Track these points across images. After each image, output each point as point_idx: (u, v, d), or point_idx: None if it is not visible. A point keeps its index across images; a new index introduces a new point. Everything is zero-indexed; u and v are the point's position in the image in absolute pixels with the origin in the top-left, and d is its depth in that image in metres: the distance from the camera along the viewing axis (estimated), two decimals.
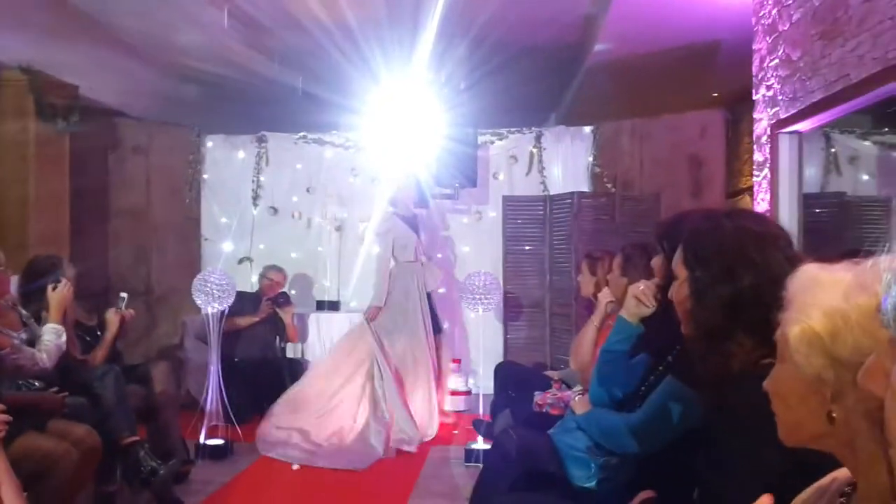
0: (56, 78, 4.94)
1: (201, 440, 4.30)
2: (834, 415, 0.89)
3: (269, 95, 6.97)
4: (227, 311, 4.62)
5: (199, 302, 4.56)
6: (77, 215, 5.35)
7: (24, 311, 3.31)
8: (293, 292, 6.08)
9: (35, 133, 4.83)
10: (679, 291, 1.55)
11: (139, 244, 6.10)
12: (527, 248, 5.90)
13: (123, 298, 3.78)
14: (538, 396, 3.20)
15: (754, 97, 4.15)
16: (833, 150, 4.76)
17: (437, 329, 5.10)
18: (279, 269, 5.60)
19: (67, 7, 4.88)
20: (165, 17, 5.17)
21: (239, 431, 4.48)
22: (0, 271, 3.13)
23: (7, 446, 2.38)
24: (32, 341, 3.20)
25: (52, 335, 3.16)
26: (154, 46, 5.87)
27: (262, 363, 5.29)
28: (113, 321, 3.61)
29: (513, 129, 6.22)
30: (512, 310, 5.88)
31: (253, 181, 6.33)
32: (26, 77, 4.72)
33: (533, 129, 6.21)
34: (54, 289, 3.29)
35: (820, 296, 0.91)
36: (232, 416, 4.45)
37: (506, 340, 5.89)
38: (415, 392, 4.80)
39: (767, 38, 3.98)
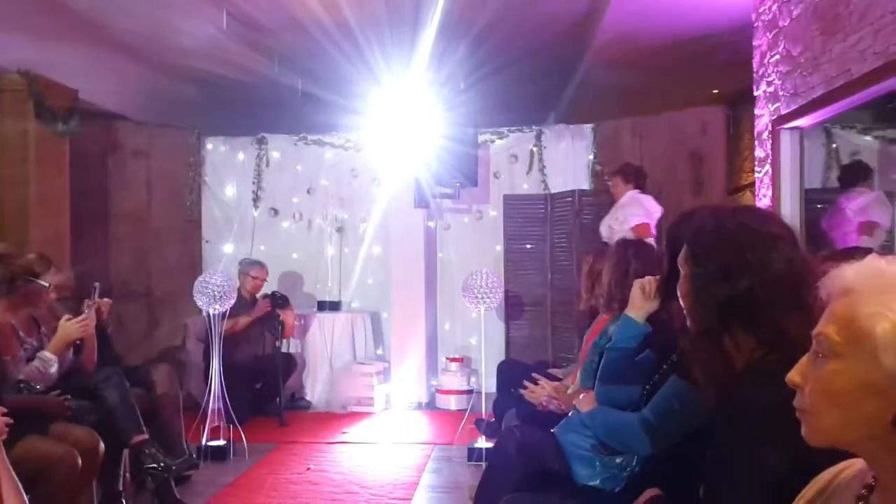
0: (55, 81, 4.93)
1: (203, 441, 4.29)
2: None
3: (269, 97, 6.96)
4: (227, 313, 4.62)
5: (200, 304, 4.55)
6: (77, 218, 5.34)
7: (41, 323, 3.32)
8: (297, 293, 6.09)
9: (35, 136, 4.82)
10: (681, 288, 1.54)
11: (140, 246, 6.09)
12: (528, 246, 5.89)
13: (96, 288, 3.71)
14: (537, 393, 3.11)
15: (755, 93, 4.14)
16: (834, 145, 4.75)
17: None
18: (261, 265, 5.54)
19: (66, 10, 4.87)
20: (164, 20, 5.16)
21: (241, 432, 4.47)
22: (37, 286, 3.14)
23: (8, 449, 2.37)
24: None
25: (40, 363, 3.14)
26: (152, 49, 5.85)
27: (259, 363, 5.29)
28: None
29: (513, 128, 6.22)
30: (513, 308, 5.87)
31: (253, 183, 6.33)
32: (26, 81, 4.71)
33: (533, 127, 6.21)
34: (68, 320, 3.30)
35: None
36: (234, 417, 4.44)
37: (508, 339, 5.89)
38: None
39: (768, 34, 3.97)
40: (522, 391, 3.10)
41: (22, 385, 3.05)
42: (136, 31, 5.36)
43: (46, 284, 3.21)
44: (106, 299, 3.77)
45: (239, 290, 5.45)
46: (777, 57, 3.84)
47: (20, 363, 3.07)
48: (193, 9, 4.99)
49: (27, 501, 2.36)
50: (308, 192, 6.27)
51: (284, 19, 5.54)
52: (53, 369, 3.17)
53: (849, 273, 0.93)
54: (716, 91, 6.49)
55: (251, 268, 5.52)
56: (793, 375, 0.95)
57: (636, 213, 4.76)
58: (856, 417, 0.88)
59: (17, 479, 2.33)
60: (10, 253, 3.16)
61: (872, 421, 0.87)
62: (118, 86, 5.98)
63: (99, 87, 5.54)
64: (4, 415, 2.35)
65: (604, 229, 4.87)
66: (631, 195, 4.85)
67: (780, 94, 3.80)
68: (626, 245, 2.77)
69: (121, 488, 3.34)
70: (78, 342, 3.56)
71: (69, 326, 3.27)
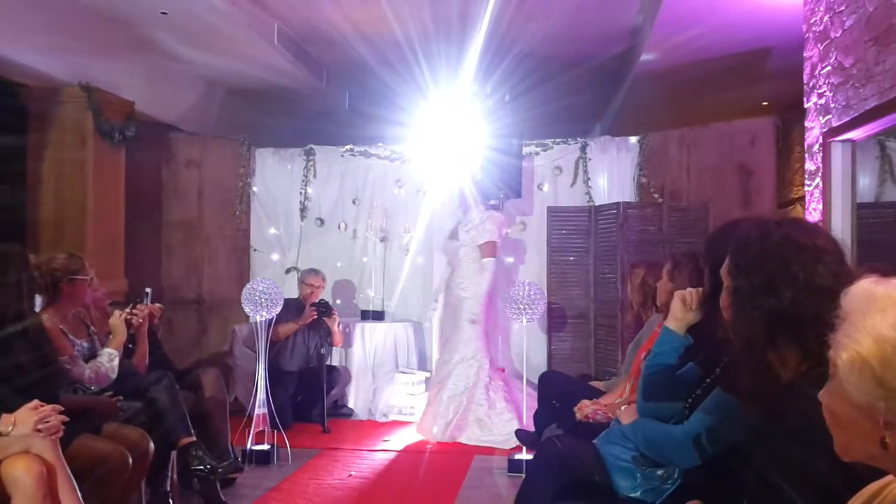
0: (113, 94, 5.11)
1: (248, 446, 4.37)
2: (888, 440, 0.86)
3: (317, 109, 7.09)
4: (273, 320, 4.71)
5: (247, 310, 4.65)
6: (131, 226, 5.51)
7: (90, 325, 3.44)
8: (338, 302, 6.16)
9: (93, 147, 5.00)
10: (723, 299, 1.53)
11: (191, 254, 6.25)
12: (571, 258, 5.86)
13: (148, 294, 3.84)
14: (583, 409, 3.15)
15: (805, 105, 4.06)
16: (888, 158, 4.62)
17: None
18: (317, 273, 5.66)
19: (122, 25, 5.05)
20: (216, 34, 5.30)
21: (285, 437, 4.54)
22: (80, 281, 3.26)
23: (63, 447, 2.46)
24: (94, 353, 3.32)
25: (106, 359, 3.27)
26: (205, 62, 6.02)
27: (305, 371, 5.37)
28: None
29: (558, 140, 6.20)
30: (556, 320, 5.84)
31: (301, 193, 6.44)
32: (85, 94, 4.89)
33: (578, 139, 6.19)
34: (122, 315, 3.43)
35: (872, 319, 0.87)
36: (278, 422, 4.51)
37: (550, 351, 5.85)
38: None
39: (819, 46, 3.90)
40: (575, 409, 3.10)
41: (77, 386, 3.16)
42: (189, 45, 5.52)
43: (88, 277, 3.32)
44: (157, 304, 3.89)
45: (297, 298, 5.58)
46: (828, 68, 3.77)
47: (77, 363, 3.17)
48: (245, 24, 5.12)
49: (80, 497, 2.45)
50: (353, 202, 6.35)
51: (333, 33, 5.65)
52: (115, 362, 3.28)
53: (847, 294, 0.93)
54: (765, 102, 6.38)
55: (307, 276, 5.65)
56: (821, 394, 0.96)
57: (490, 230, 5.12)
58: (854, 438, 0.91)
59: (71, 475, 2.42)
60: (42, 261, 3.27)
61: (868, 441, 0.88)
62: (172, 98, 6.16)
63: (154, 100, 5.71)
64: (61, 414, 2.45)
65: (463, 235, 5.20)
66: (489, 213, 5.21)
67: (832, 105, 3.73)
68: (698, 257, 2.73)
69: (168, 489, 3.42)
70: (130, 346, 3.68)
71: (118, 321, 3.40)
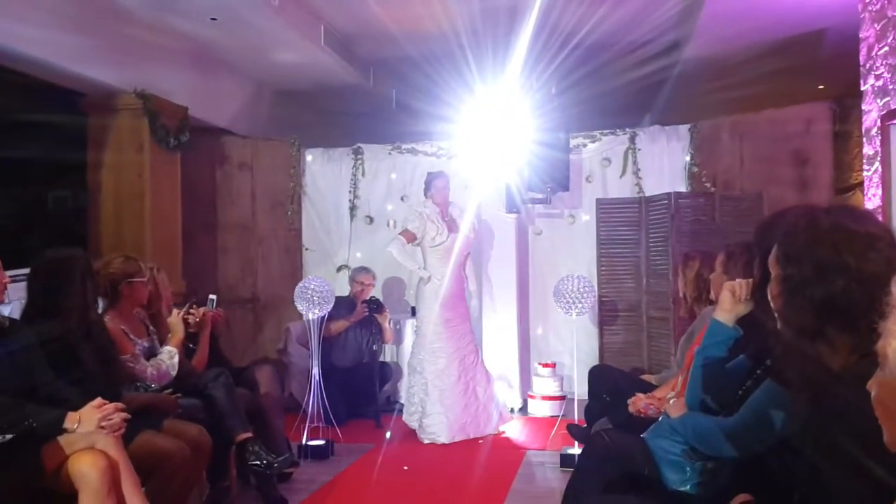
0: (167, 100, 5.25)
1: (303, 441, 4.46)
2: None
3: (365, 108, 7.18)
4: (326, 317, 4.79)
5: (300, 308, 4.75)
6: (188, 228, 5.66)
7: (150, 325, 3.56)
8: (392, 299, 6.22)
9: (150, 152, 5.15)
10: (772, 289, 1.51)
11: (245, 254, 6.39)
12: (622, 251, 5.80)
13: (213, 300, 3.96)
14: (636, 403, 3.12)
15: (862, 88, 3.94)
16: None
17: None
18: (367, 271, 5.73)
19: (175, 33, 5.20)
20: (266, 38, 5.41)
21: (339, 432, 4.61)
22: (138, 283, 3.39)
23: (126, 444, 2.56)
24: (153, 352, 3.44)
25: (167, 356, 3.39)
26: (256, 65, 6.15)
27: (357, 367, 5.45)
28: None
29: (606, 132, 6.14)
30: (607, 314, 5.80)
31: (350, 192, 6.52)
32: (141, 101, 5.04)
33: (627, 130, 6.11)
34: (180, 314, 3.55)
35: None
36: (332, 418, 4.59)
37: (601, 345, 5.82)
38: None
39: (875, 25, 3.77)
40: (628, 403, 3.08)
41: (139, 385, 3.27)
42: (238, 49, 5.65)
43: (144, 279, 3.44)
44: (220, 309, 4.01)
45: (348, 295, 5.67)
46: (886, 49, 3.64)
47: (139, 361, 3.29)
48: (292, 26, 5.21)
49: (143, 492, 2.55)
50: (402, 199, 6.40)
51: (379, 32, 5.71)
52: (175, 360, 3.40)
53: None
54: (821, 86, 6.20)
55: (358, 274, 5.73)
56: (870, 384, 0.94)
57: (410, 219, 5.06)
58: None
59: (135, 473, 2.52)
60: (100, 265, 3.38)
61: None
62: (224, 102, 6.31)
63: (206, 104, 5.86)
64: (123, 411, 2.55)
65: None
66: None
67: (890, 87, 3.60)
68: (753, 248, 2.68)
69: (228, 483, 3.52)
70: (191, 345, 3.80)
71: (176, 319, 3.52)
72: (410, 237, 5.00)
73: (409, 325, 5.84)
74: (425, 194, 5.18)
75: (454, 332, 4.98)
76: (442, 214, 5.07)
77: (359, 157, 6.53)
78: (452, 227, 5.09)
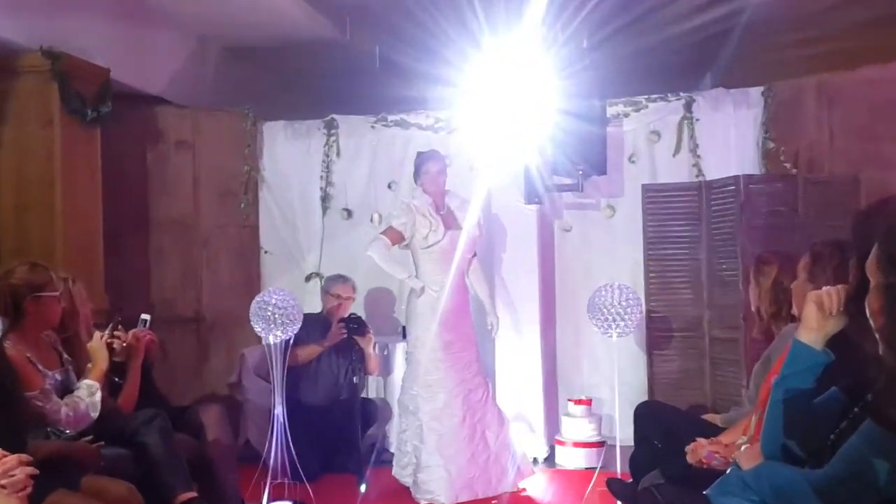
0: (84, 61, 5.24)
1: (264, 502, 4.46)
2: None
3: (340, 69, 7.17)
4: (291, 341, 4.79)
5: (258, 329, 4.75)
6: (112, 226, 5.65)
7: (64, 352, 3.57)
8: (377, 316, 6.22)
9: (61, 128, 5.12)
10: (871, 302, 1.52)
11: (186, 260, 6.41)
12: (676, 252, 5.81)
13: (145, 320, 3.97)
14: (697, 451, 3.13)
15: None
16: None
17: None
18: (345, 280, 5.73)
19: None
20: None
21: (310, 491, 4.61)
22: (48, 297, 3.39)
23: None
24: (68, 388, 3.43)
25: (86, 393, 3.38)
26: (197, 16, 6.15)
27: (333, 406, 5.44)
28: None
29: (654, 97, 6.15)
30: (658, 334, 5.80)
31: (321, 177, 6.53)
32: (49, 61, 5.01)
33: (681, 94, 6.12)
34: (103, 338, 3.55)
35: None
36: (301, 473, 4.59)
37: (650, 375, 5.82)
38: None
39: None
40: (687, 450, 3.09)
41: (49, 430, 3.27)
42: None
43: (56, 293, 3.44)
44: (149, 332, 4.01)
45: (321, 312, 5.67)
46: None
47: (50, 398, 3.28)
48: None
49: None
50: (389, 187, 6.42)
51: None
52: (97, 397, 3.39)
53: None
54: None
55: (333, 284, 5.72)
56: None
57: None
58: None
59: None
60: (0, 275, 3.39)
61: None
62: (158, 62, 6.31)
63: (134, 65, 5.86)
64: (29, 465, 2.55)
65: None
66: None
67: None
68: (846, 247, 2.68)
69: None
70: (117, 379, 3.81)
71: (98, 345, 3.51)
72: (396, 237, 5.01)
73: (400, 351, 5.84)
74: (415, 181, 5.20)
75: (457, 360, 4.98)
76: (436, 206, 5.08)
77: (332, 131, 6.54)
78: (451, 222, 5.10)
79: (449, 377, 4.94)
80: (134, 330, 3.88)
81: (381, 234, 5.07)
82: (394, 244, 5.01)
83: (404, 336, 5.82)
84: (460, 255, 5.02)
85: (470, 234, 5.11)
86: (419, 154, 5.29)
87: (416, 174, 5.19)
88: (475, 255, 5.26)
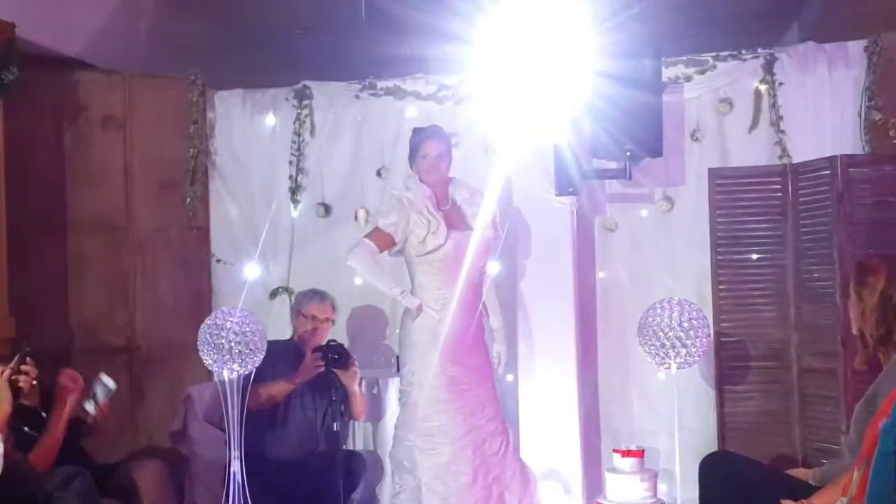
0: None
1: None
2: None
3: (314, 21, 7.18)
4: (253, 376, 4.79)
5: (209, 362, 4.74)
6: (16, 226, 5.64)
7: None
8: (363, 343, 6.22)
9: None
10: None
11: (115, 272, 6.39)
12: (754, 256, 5.79)
13: (107, 388, 3.97)
14: None
15: None
16: None
17: None
18: (322, 297, 5.70)
19: None
20: None
21: None
22: None
23: None
24: None
25: None
26: None
27: (307, 460, 5.43)
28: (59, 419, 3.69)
29: (724, 55, 6.16)
30: (730, 364, 5.78)
31: (291, 163, 6.54)
32: None
33: (759, 51, 6.12)
34: (4, 374, 3.55)
35: None
36: None
37: (721, 417, 5.79)
38: None
39: None
40: None
41: None
42: None
43: None
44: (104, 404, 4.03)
45: (291, 338, 5.65)
46: None
47: None
48: None
49: None
50: (379, 174, 6.42)
51: None
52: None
53: None
54: None
55: (307, 302, 5.68)
56: None
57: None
58: None
59: None
60: None
61: None
62: (78, 16, 6.30)
63: (47, 20, 5.86)
64: None
65: None
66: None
67: None
68: None
69: None
70: (26, 429, 3.81)
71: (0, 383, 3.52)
72: (385, 241, 5.00)
73: (394, 389, 5.84)
74: (411, 166, 5.19)
75: (466, 402, 4.97)
76: (437, 200, 5.07)
77: (305, 103, 6.55)
78: (456, 220, 5.09)
79: (455, 424, 4.92)
80: (68, 370, 3.89)
81: (365, 237, 5.06)
82: (382, 250, 5.00)
83: (399, 369, 5.82)
84: (469, 263, 5.00)
85: (482, 237, 5.09)
86: (416, 131, 5.28)
87: (412, 157, 5.17)
88: (487, 263, 5.25)
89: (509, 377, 5.86)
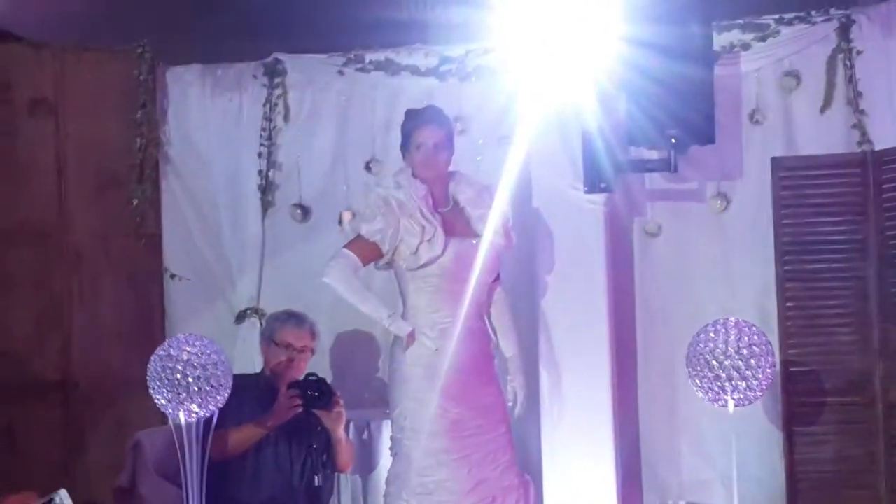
0: None
1: None
2: None
3: None
4: (216, 419, 4.78)
5: (161, 402, 4.73)
6: None
7: None
8: (351, 377, 6.22)
9: None
10: None
11: (46, 291, 6.41)
12: (829, 265, 5.78)
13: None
14: None
15: None
16: None
17: None
18: (300, 321, 5.67)
19: None
20: None
21: None
22: None
23: None
24: None
25: None
26: None
27: None
28: None
29: (789, 17, 6.14)
30: (801, 400, 5.78)
31: (261, 155, 6.55)
32: None
33: (831, 13, 6.11)
34: None
35: None
36: None
37: (790, 465, 5.78)
38: None
39: None
40: None
41: None
42: None
43: None
44: None
45: (261, 372, 5.64)
46: None
47: None
48: None
49: None
50: (368, 168, 6.43)
51: None
52: None
53: None
54: None
55: (279, 328, 5.65)
56: None
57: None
58: None
59: None
60: None
61: None
62: None
63: None
64: None
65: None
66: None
67: None
68: None
69: None
70: None
71: None
72: (369, 252, 4.96)
73: (386, 433, 5.84)
74: (403, 157, 5.14)
75: (471, 450, 4.95)
76: (434, 200, 5.04)
77: (277, 80, 6.56)
78: (458, 225, 5.06)
79: (459, 478, 4.89)
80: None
81: (345, 247, 5.01)
82: (366, 263, 4.95)
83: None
84: (476, 278, 4.97)
85: (491, 245, 5.05)
86: (408, 114, 5.21)
87: (404, 147, 5.12)
88: (498, 277, 5.21)
89: (527, 418, 5.88)
